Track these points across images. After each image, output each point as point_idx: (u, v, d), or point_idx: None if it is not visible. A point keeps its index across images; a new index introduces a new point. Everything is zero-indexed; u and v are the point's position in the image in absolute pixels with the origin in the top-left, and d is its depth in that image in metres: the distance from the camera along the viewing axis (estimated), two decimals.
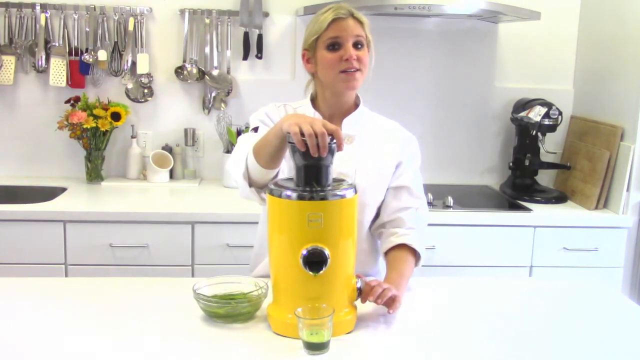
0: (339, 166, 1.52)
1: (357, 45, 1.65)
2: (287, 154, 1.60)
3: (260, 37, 2.98)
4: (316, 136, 1.33)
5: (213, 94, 3.02)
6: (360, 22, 1.66)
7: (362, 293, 1.47)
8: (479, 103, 3.16)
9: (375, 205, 1.75)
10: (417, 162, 1.80)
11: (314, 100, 1.77)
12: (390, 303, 1.46)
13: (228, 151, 2.94)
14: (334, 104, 1.72)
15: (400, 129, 1.81)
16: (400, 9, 2.64)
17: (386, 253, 1.71)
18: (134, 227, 2.48)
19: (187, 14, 2.95)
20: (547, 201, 2.87)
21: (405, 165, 1.76)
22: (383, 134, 1.78)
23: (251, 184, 1.57)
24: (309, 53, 1.70)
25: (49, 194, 2.73)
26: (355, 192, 1.42)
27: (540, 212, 2.72)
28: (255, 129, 1.69)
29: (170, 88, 3.03)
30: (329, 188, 1.39)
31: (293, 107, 1.77)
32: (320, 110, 1.74)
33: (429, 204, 2.44)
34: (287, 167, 1.64)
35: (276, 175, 1.56)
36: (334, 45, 1.64)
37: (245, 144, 1.61)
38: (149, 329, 1.43)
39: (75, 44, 2.93)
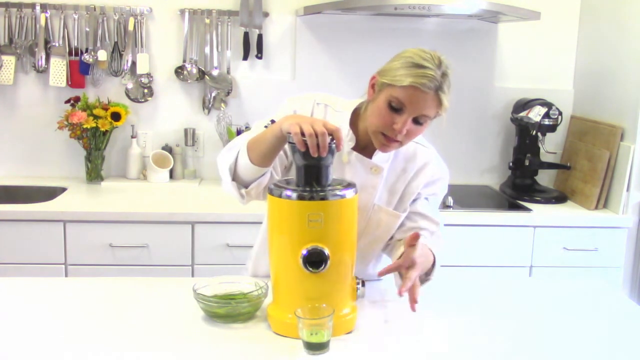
0: (359, 197, 1.45)
1: (418, 120, 1.48)
2: (286, 155, 1.60)
3: (260, 37, 2.98)
4: (316, 136, 1.32)
5: (213, 94, 3.02)
6: (439, 102, 1.46)
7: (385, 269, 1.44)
8: (479, 103, 3.16)
9: (386, 240, 1.68)
10: (439, 197, 1.71)
11: (356, 112, 1.62)
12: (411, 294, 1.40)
13: None
14: (369, 138, 1.58)
15: (434, 164, 1.67)
16: (400, 9, 2.64)
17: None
18: (134, 227, 2.48)
19: (187, 14, 2.95)
20: (547, 201, 2.87)
21: (424, 195, 1.67)
22: (413, 167, 1.65)
23: (235, 178, 1.54)
24: (377, 84, 1.52)
25: (49, 194, 2.73)
26: (356, 192, 1.42)
27: (540, 212, 2.72)
28: (273, 122, 1.54)
29: (170, 88, 3.03)
30: (329, 188, 1.39)
31: (336, 109, 1.63)
32: (358, 128, 1.61)
33: None
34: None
35: (263, 176, 1.52)
36: (396, 107, 1.46)
37: (242, 139, 1.54)
38: (149, 329, 1.43)
39: (75, 44, 2.93)
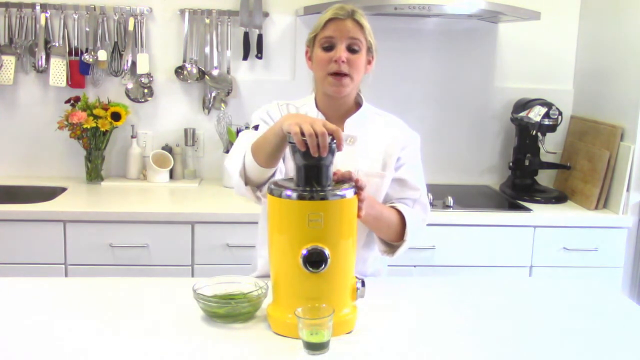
0: (340, 167, 1.51)
1: (351, 48, 1.63)
2: (288, 155, 1.61)
3: (260, 37, 2.98)
4: (316, 136, 1.33)
5: (213, 94, 3.02)
6: (360, 26, 1.64)
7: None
8: (479, 103, 3.16)
9: None
10: (417, 158, 1.79)
11: (316, 98, 1.76)
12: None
13: (228, 151, 2.93)
14: (331, 104, 1.72)
15: (404, 129, 1.80)
16: (400, 9, 2.64)
17: None
18: (134, 227, 2.48)
19: (187, 14, 2.95)
20: (547, 201, 2.87)
21: (403, 160, 1.75)
22: (386, 135, 1.76)
23: (247, 182, 1.57)
24: (310, 50, 1.70)
25: (49, 194, 2.73)
26: (356, 192, 1.42)
27: (540, 212, 2.72)
28: (256, 127, 1.69)
29: (170, 88, 3.03)
30: (329, 188, 1.39)
31: (296, 106, 1.76)
32: (322, 110, 1.74)
33: (429, 204, 2.44)
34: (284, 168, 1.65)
35: (273, 175, 1.56)
36: (328, 46, 1.63)
37: (244, 141, 1.61)
38: (149, 329, 1.43)
39: (75, 44, 2.93)
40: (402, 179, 1.74)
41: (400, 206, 1.70)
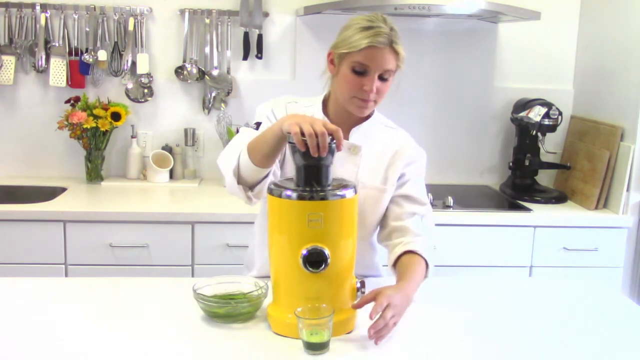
0: (341, 176, 1.49)
1: (383, 77, 1.59)
2: (288, 155, 1.61)
3: (260, 37, 2.98)
4: (316, 136, 1.33)
5: (213, 94, 3.02)
6: (396, 53, 1.58)
7: (360, 300, 1.43)
8: (479, 103, 3.16)
9: (375, 219, 1.71)
10: (421, 175, 1.76)
11: (326, 101, 1.72)
12: (378, 333, 1.37)
13: None
14: (344, 114, 1.67)
15: (410, 144, 1.75)
16: (400, 9, 2.64)
17: (394, 264, 1.64)
18: (134, 227, 2.48)
19: (187, 14, 2.95)
20: (547, 201, 2.87)
21: (408, 176, 1.72)
22: (391, 148, 1.72)
23: (239, 181, 1.55)
24: (336, 58, 1.61)
25: (49, 194, 2.73)
26: (355, 192, 1.42)
27: (540, 212, 2.72)
28: (258, 124, 1.65)
29: (170, 88, 3.03)
30: (329, 188, 1.39)
31: (304, 105, 1.71)
32: (330, 115, 1.69)
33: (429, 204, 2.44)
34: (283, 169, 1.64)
35: (267, 176, 1.54)
36: (360, 71, 1.57)
37: (241, 141, 1.57)
38: (148, 329, 1.44)
39: (75, 44, 2.93)
40: (409, 195, 1.71)
41: (418, 248, 1.62)
